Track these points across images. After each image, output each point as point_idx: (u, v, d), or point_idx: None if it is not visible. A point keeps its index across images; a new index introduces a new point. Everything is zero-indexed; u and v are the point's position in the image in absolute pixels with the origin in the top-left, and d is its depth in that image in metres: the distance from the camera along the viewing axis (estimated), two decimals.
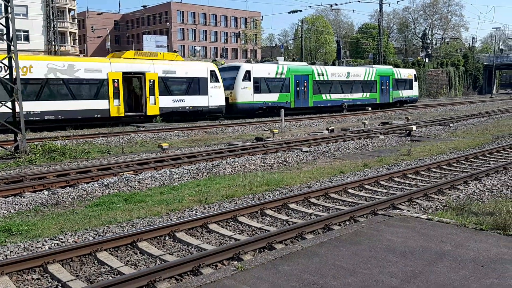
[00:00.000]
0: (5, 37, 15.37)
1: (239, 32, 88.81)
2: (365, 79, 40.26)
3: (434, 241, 6.17)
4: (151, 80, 26.82)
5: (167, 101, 27.62)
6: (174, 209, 9.04)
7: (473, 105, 48.10)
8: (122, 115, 26.04)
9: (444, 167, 13.28)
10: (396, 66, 58.51)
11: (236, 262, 6.12)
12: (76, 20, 72.63)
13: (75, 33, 69.44)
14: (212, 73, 29.57)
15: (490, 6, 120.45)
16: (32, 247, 6.92)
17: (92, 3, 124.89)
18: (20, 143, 15.18)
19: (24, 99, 20.42)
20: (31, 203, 9.59)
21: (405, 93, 44.93)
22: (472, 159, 14.52)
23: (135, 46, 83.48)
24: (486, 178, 11.63)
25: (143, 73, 26.67)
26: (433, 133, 22.54)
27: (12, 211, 9.14)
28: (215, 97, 29.53)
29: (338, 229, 7.12)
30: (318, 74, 36.23)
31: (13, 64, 15.33)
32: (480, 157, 14.90)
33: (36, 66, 23.14)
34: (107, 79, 25.21)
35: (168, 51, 75.40)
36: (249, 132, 23.72)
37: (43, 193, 10.29)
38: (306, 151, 16.19)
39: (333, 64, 55.11)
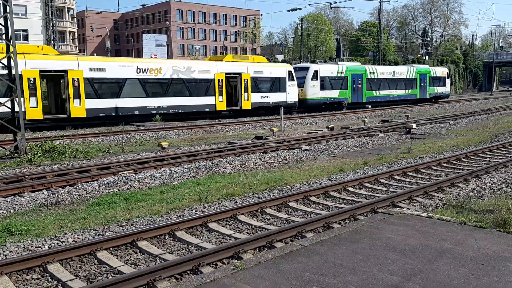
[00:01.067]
0: (3, 36, 15.35)
1: (238, 30, 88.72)
2: (407, 77, 44.92)
3: (434, 239, 6.16)
4: (246, 80, 31.43)
5: (256, 97, 32.24)
6: (174, 208, 9.04)
7: (473, 103, 48.06)
8: (224, 109, 30.67)
9: (444, 164, 13.27)
10: (396, 63, 59.58)
11: (236, 261, 6.11)
12: (75, 19, 72.56)
13: (74, 32, 69.39)
14: (289, 73, 33.93)
15: (489, 3, 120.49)
16: (31, 247, 6.92)
17: (91, 2, 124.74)
18: (20, 143, 15.17)
19: (156, 95, 27.14)
20: (30, 203, 9.58)
21: (439, 90, 49.76)
22: (472, 157, 14.51)
23: (134, 45, 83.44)
24: (486, 176, 11.62)
25: (240, 74, 31.21)
26: (433, 130, 22.52)
27: (11, 211, 9.13)
28: (291, 93, 34.10)
29: (338, 228, 7.11)
30: (370, 73, 40.89)
31: (12, 64, 15.30)
32: (480, 155, 14.89)
33: (164, 68, 27.61)
34: (214, 79, 29.65)
35: (167, 50, 75.43)
36: (249, 131, 23.71)
37: (43, 193, 10.28)
38: (306, 150, 16.18)
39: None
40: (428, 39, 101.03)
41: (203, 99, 29.25)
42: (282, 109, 24.76)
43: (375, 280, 4.87)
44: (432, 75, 48.03)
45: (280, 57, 73.01)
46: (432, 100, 48.35)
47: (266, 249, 6.68)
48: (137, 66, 26.56)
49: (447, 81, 51.27)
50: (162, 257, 6.50)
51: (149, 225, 7.69)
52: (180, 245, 7.06)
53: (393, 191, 10.08)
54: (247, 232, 7.61)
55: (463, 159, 14.10)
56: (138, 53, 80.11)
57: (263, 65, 33.18)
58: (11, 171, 12.92)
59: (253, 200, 9.50)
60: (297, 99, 34.52)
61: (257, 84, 32.19)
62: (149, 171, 12.53)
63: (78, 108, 23.98)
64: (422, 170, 12.49)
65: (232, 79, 31.70)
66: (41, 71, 22.78)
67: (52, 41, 47.53)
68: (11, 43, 15.10)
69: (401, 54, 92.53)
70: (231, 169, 13.12)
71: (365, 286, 4.73)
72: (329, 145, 17.40)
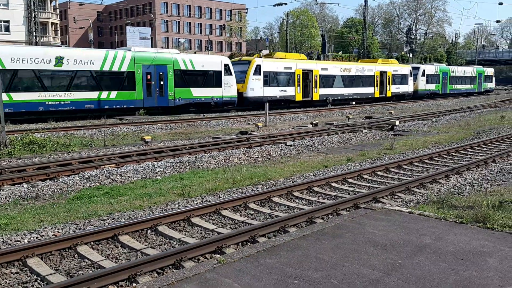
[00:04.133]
0: None
1: (224, 24, 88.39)
2: (471, 75, 59.26)
3: (415, 234, 6.22)
4: (389, 76, 45.03)
5: (393, 88, 45.96)
6: (156, 202, 8.97)
7: (455, 100, 48.80)
8: (378, 96, 44.06)
9: (426, 161, 13.43)
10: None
11: (218, 255, 6.09)
12: (57, 10, 71.34)
13: (56, 24, 68.21)
14: (410, 71, 47.82)
15: (473, 2, 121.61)
16: (11, 240, 6.80)
17: None
18: None
19: (347, 86, 40.37)
20: (10, 196, 9.41)
21: (488, 85, 65.19)
22: (453, 153, 14.70)
23: (118, 38, 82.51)
24: (467, 172, 11.80)
25: (386, 72, 44.65)
26: (415, 127, 22.76)
27: None
28: (410, 86, 48.08)
29: (321, 222, 7.14)
30: (451, 72, 54.83)
31: None
32: (462, 152, 15.10)
33: (352, 68, 41.05)
34: (374, 75, 43.32)
35: (151, 43, 74.69)
36: (233, 126, 23.66)
37: (23, 186, 10.11)
38: (290, 145, 16.21)
39: (318, 58, 56.80)
40: (413, 36, 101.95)
41: (368, 89, 42.81)
42: (267, 104, 24.80)
43: (356, 275, 4.91)
44: (485, 74, 63.05)
45: (265, 52, 72.94)
46: (484, 93, 62.93)
47: (249, 243, 6.67)
48: (341, 67, 39.92)
49: (493, 78, 67.30)
50: (144, 251, 6.44)
51: (131, 220, 7.63)
52: (162, 240, 7.02)
53: (376, 187, 10.16)
54: (230, 227, 7.59)
55: (444, 156, 14.28)
56: (122, 46, 79.15)
57: (396, 65, 47.30)
58: None
59: (236, 195, 9.48)
60: (412, 90, 48.17)
61: (394, 79, 45.62)
62: (132, 165, 12.42)
63: (316, 93, 37.40)
64: (404, 166, 12.61)
65: (380, 76, 44.21)
66: (302, 70, 35.94)
67: (34, 32, 46.66)
68: None
69: (386, 51, 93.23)
70: (215, 164, 13.08)
71: (346, 281, 4.76)
72: (313, 140, 17.46)
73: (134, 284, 5.32)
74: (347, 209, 8.45)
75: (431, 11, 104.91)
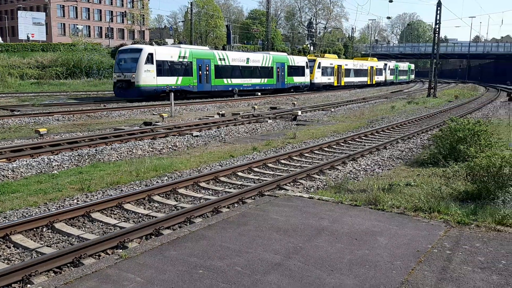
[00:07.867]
0: None
1: (125, 11, 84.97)
2: (406, 69, 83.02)
3: (314, 218, 6.55)
4: (374, 69, 65.02)
5: (376, 78, 67.33)
6: (53, 198, 8.46)
7: (351, 92, 51.86)
8: (369, 83, 62.74)
9: (326, 149, 14.14)
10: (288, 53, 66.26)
11: (120, 250, 5.92)
12: None
13: None
14: (383, 66, 67.10)
15: None
16: None
17: None
18: None
19: (354, 76, 60.13)
20: None
21: (412, 76, 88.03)
22: (350, 141, 15.65)
23: (8, 23, 75.75)
24: (361, 159, 12.64)
25: (373, 66, 64.33)
26: (316, 117, 23.83)
27: None
28: (383, 76, 69.79)
29: (226, 212, 7.23)
30: (399, 67, 77.72)
31: None
32: (357, 139, 16.12)
33: (354, 64, 60.58)
34: (367, 69, 62.54)
35: (46, 29, 69.74)
36: (137, 116, 22.95)
37: None
38: (197, 136, 16.14)
39: (223, 49, 56.99)
40: (313, 30, 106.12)
41: (364, 78, 62.08)
42: (172, 94, 24.38)
43: (259, 260, 5.05)
44: (411, 68, 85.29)
45: (170, 41, 71.48)
46: (410, 82, 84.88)
47: (153, 237, 6.56)
48: (353, 63, 59.36)
49: (414, 72, 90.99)
50: (39, 250, 6.07)
51: (24, 218, 7.12)
52: (60, 238, 6.65)
53: (279, 175, 10.50)
54: (134, 221, 7.41)
55: (342, 144, 15.15)
56: (13, 32, 72.90)
57: (377, 62, 68.59)
58: None
59: (140, 188, 9.26)
60: (384, 80, 70.43)
61: (376, 72, 65.76)
62: (25, 159, 11.57)
63: (343, 81, 55.96)
64: (306, 154, 13.17)
65: (370, 69, 62.78)
66: (337, 65, 54.21)
67: None
68: None
69: (288, 44, 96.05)
70: (117, 157, 12.62)
71: (250, 267, 4.89)
72: (220, 131, 17.54)
73: (28, 286, 5.00)
74: (252, 197, 8.65)
75: (329, 6, 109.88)
